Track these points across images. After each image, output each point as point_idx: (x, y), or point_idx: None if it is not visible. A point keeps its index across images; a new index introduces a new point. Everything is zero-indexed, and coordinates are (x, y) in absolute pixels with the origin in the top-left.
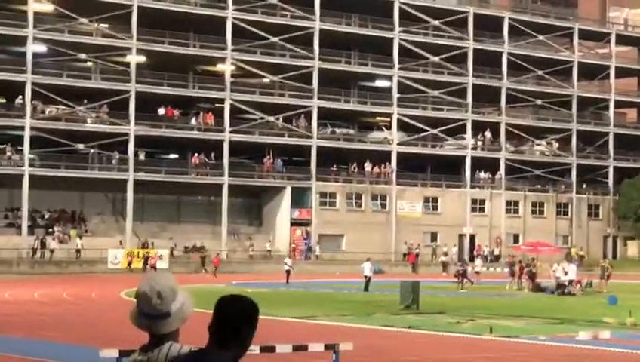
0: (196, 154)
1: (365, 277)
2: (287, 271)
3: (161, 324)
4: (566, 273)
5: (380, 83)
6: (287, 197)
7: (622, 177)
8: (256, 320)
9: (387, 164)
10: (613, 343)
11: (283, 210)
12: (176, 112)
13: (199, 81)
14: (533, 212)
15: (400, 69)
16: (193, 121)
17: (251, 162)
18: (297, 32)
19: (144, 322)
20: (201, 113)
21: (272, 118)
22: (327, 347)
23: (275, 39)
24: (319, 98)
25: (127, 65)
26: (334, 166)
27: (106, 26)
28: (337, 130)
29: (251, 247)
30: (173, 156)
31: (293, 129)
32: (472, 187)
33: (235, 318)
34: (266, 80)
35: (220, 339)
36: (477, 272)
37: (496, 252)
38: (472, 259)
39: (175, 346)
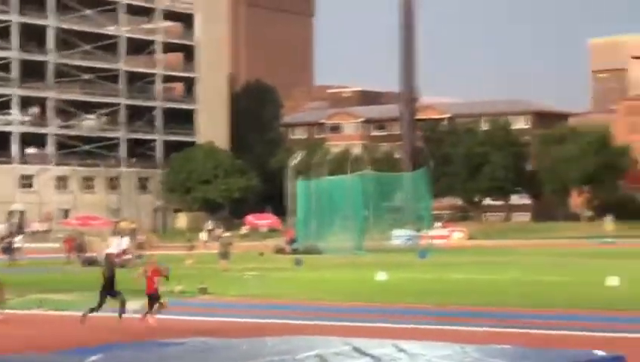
0: None
1: None
2: None
3: None
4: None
5: None
6: None
7: (170, 151)
8: None
9: None
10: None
11: None
12: None
13: None
14: (84, 187)
15: None
16: None
17: None
18: None
19: None
20: None
21: None
22: None
23: None
24: None
25: None
26: None
27: None
28: None
29: None
30: None
31: None
32: (22, 163)
33: None
34: None
35: None
36: (17, 248)
37: (46, 228)
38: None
39: None
